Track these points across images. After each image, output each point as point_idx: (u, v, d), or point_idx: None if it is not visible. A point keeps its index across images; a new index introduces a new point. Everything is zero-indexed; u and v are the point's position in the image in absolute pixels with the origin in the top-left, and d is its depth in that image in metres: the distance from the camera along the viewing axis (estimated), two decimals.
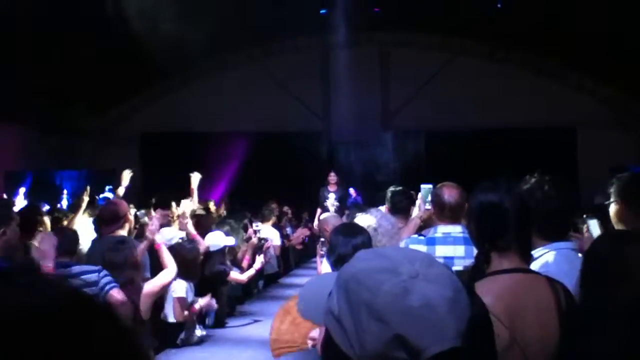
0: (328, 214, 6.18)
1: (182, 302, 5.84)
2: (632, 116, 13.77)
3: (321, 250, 8.34)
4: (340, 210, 9.34)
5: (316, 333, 3.17)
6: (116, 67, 11.62)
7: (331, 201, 10.30)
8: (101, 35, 10.34)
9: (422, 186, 4.14)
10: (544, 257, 2.26)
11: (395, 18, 13.08)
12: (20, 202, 6.69)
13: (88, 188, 6.09)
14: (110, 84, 12.56)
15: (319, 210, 9.82)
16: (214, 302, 6.36)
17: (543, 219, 2.22)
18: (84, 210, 5.85)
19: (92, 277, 3.78)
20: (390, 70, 14.93)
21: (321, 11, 12.93)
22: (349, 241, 2.83)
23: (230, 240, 7.16)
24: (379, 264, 0.92)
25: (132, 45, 10.50)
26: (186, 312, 5.85)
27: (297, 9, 11.80)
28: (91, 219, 5.63)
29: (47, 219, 5.62)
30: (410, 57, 14.41)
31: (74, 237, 4.47)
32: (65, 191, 11.57)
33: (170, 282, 4.62)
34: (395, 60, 14.79)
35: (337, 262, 2.79)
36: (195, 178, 7.32)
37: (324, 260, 3.90)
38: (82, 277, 3.78)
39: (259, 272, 8.13)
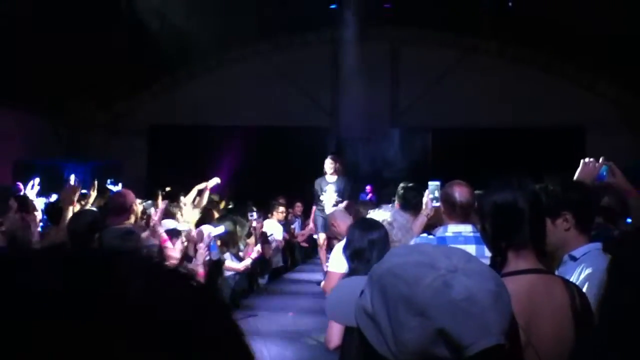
0: (335, 209, 5.80)
1: None
2: None
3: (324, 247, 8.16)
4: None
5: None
6: (125, 60, 11.62)
7: (330, 194, 8.41)
8: (110, 29, 10.34)
9: (430, 183, 4.12)
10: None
11: (405, 14, 13.02)
12: (31, 192, 6.66)
13: (96, 183, 6.06)
14: (119, 77, 12.58)
15: (314, 208, 8.87)
16: None
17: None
18: (93, 202, 5.84)
19: None
20: (399, 66, 14.88)
21: (331, 6, 12.88)
22: (365, 235, 2.82)
23: (219, 229, 7.12)
24: (415, 259, 0.89)
25: (141, 39, 10.51)
26: None
27: (307, 3, 11.77)
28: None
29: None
30: (420, 54, 14.35)
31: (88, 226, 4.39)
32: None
33: None
34: (405, 57, 14.73)
35: (353, 256, 2.80)
36: (213, 181, 7.35)
37: (332, 255, 3.87)
38: None
39: (258, 261, 8.06)
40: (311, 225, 9.69)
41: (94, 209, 5.78)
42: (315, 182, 8.68)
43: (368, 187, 12.60)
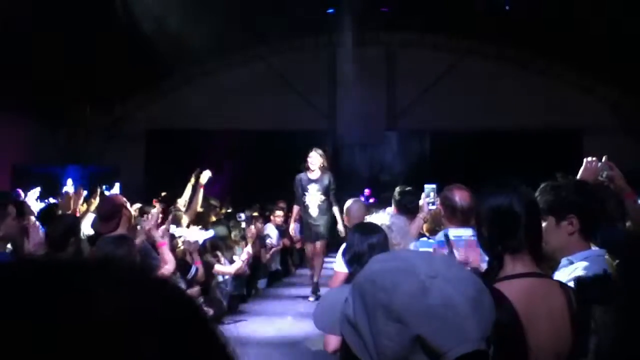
0: (351, 201, 5.25)
1: None
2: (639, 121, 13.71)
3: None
4: (326, 207, 7.75)
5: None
6: (122, 64, 11.62)
7: (313, 194, 7.67)
8: (107, 33, 10.34)
9: (426, 186, 4.13)
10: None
11: (402, 18, 13.05)
12: (32, 200, 6.60)
13: (99, 190, 5.98)
14: (116, 81, 12.57)
15: (295, 209, 8.13)
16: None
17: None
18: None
19: None
20: (396, 70, 14.90)
21: (328, 10, 12.91)
22: (365, 239, 2.82)
23: (209, 233, 7.08)
24: (394, 265, 0.89)
25: (138, 43, 10.51)
26: None
27: (304, 8, 11.78)
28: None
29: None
30: (416, 57, 14.38)
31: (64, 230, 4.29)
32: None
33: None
34: (402, 60, 14.77)
35: (352, 260, 2.79)
36: (205, 176, 6.89)
37: (339, 255, 3.84)
38: None
39: (253, 264, 7.98)
40: (292, 228, 8.76)
41: (94, 215, 5.77)
42: (295, 181, 7.85)
43: (367, 191, 12.60)
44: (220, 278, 7.19)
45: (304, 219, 8.03)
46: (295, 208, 8.18)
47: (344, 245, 3.10)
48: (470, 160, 12.96)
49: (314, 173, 7.74)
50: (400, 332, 0.82)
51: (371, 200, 11.83)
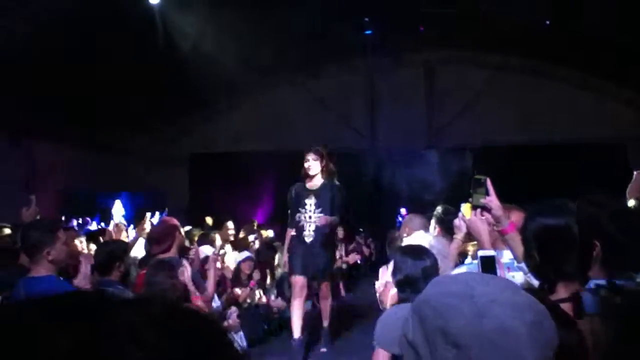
0: (413, 215, 4.58)
1: None
2: None
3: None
4: (330, 230, 5.73)
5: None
6: (166, 91, 11.95)
7: (312, 211, 5.60)
8: (152, 61, 10.65)
9: (463, 205, 3.81)
10: None
11: (439, 35, 13.05)
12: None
13: (148, 215, 6.11)
14: (161, 107, 12.92)
15: (288, 234, 5.88)
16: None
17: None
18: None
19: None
20: (435, 87, 14.88)
21: (365, 32, 13.00)
22: (418, 264, 2.75)
23: (243, 254, 7.12)
24: (452, 289, 0.88)
25: (182, 69, 10.79)
26: None
27: (342, 29, 11.90)
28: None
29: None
30: (455, 74, 14.35)
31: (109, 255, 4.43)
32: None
33: (206, 306, 4.55)
34: (440, 78, 14.74)
35: (404, 284, 2.72)
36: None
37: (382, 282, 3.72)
38: None
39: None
40: (285, 260, 6.39)
41: (144, 239, 5.92)
42: (289, 193, 5.83)
43: (403, 210, 12.34)
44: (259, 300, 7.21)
45: (294, 245, 5.81)
46: (289, 233, 5.87)
47: (391, 266, 3.02)
48: (512, 175, 12.76)
49: (314, 181, 5.66)
50: (458, 357, 0.81)
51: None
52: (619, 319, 1.40)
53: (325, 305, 6.31)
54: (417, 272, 2.69)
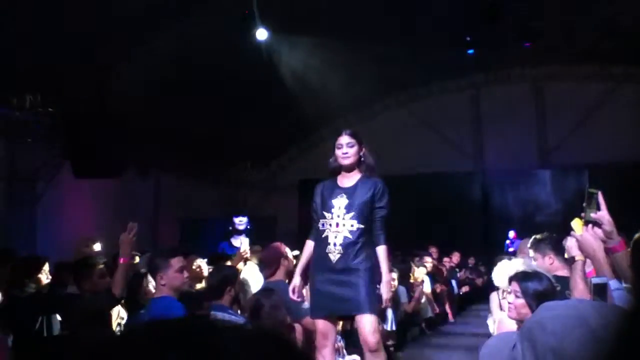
0: (526, 240, 4.09)
1: None
2: None
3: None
4: (364, 243, 3.88)
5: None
6: (274, 124, 12.53)
7: (341, 216, 3.92)
8: (260, 99, 11.22)
9: (574, 221, 3.05)
10: None
11: (546, 50, 12.64)
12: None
13: (247, 241, 6.37)
14: (271, 139, 13.56)
15: (306, 250, 4.03)
16: None
17: None
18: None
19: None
20: (545, 104, 14.38)
21: (468, 52, 12.88)
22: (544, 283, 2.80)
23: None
24: (565, 313, 0.89)
25: (287, 103, 11.27)
26: None
27: (444, 51, 11.87)
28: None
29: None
30: (565, 90, 13.79)
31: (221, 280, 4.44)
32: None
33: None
34: (550, 94, 14.23)
35: (539, 299, 2.71)
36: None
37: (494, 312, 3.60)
38: None
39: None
40: (294, 287, 4.06)
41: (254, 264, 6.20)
42: (315, 192, 4.18)
43: (512, 233, 11.83)
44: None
45: (314, 266, 3.99)
46: (307, 247, 4.05)
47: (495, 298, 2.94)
48: (633, 194, 11.99)
49: (348, 176, 4.13)
50: None
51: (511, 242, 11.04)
52: None
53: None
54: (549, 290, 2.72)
